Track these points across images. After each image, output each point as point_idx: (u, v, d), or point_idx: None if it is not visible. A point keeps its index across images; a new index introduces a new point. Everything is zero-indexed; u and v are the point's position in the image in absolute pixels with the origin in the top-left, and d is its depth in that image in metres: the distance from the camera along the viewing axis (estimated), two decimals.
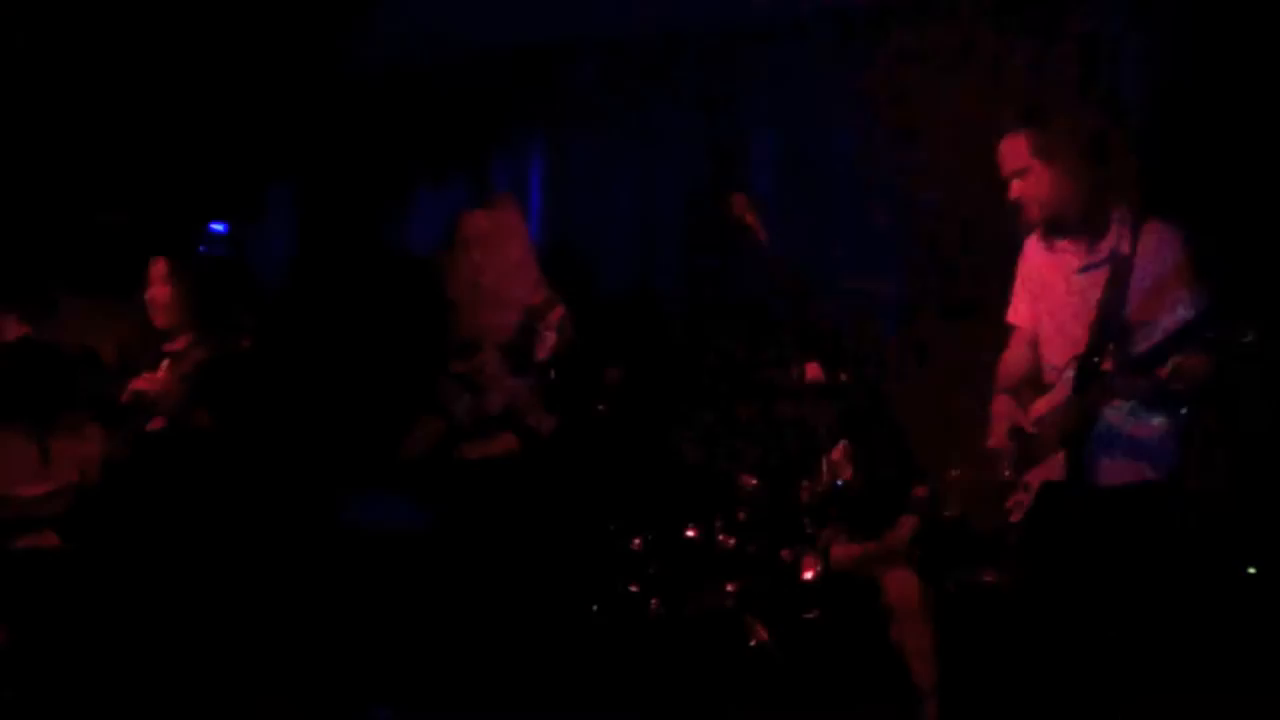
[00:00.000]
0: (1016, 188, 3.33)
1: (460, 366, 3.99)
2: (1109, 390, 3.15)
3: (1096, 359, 3.23)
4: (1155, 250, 3.26)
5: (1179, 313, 3.16)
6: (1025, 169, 3.30)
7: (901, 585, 4.53)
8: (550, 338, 3.87)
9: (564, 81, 6.01)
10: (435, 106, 6.15)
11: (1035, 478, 3.34)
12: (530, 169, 6.05)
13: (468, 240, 4.03)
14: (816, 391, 4.13)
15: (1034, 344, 3.51)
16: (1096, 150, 3.40)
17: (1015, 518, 3.39)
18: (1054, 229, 3.38)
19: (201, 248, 6.27)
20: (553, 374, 3.89)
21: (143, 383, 4.05)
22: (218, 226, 6.51)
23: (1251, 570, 4.03)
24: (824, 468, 4.32)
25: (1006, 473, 3.43)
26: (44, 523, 5.13)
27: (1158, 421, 3.24)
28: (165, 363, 4.11)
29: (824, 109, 5.44)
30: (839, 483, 4.50)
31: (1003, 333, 3.68)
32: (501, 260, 3.99)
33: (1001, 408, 3.50)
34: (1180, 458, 3.30)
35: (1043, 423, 3.34)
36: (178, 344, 4.12)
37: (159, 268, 4.14)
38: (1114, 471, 3.25)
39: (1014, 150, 3.33)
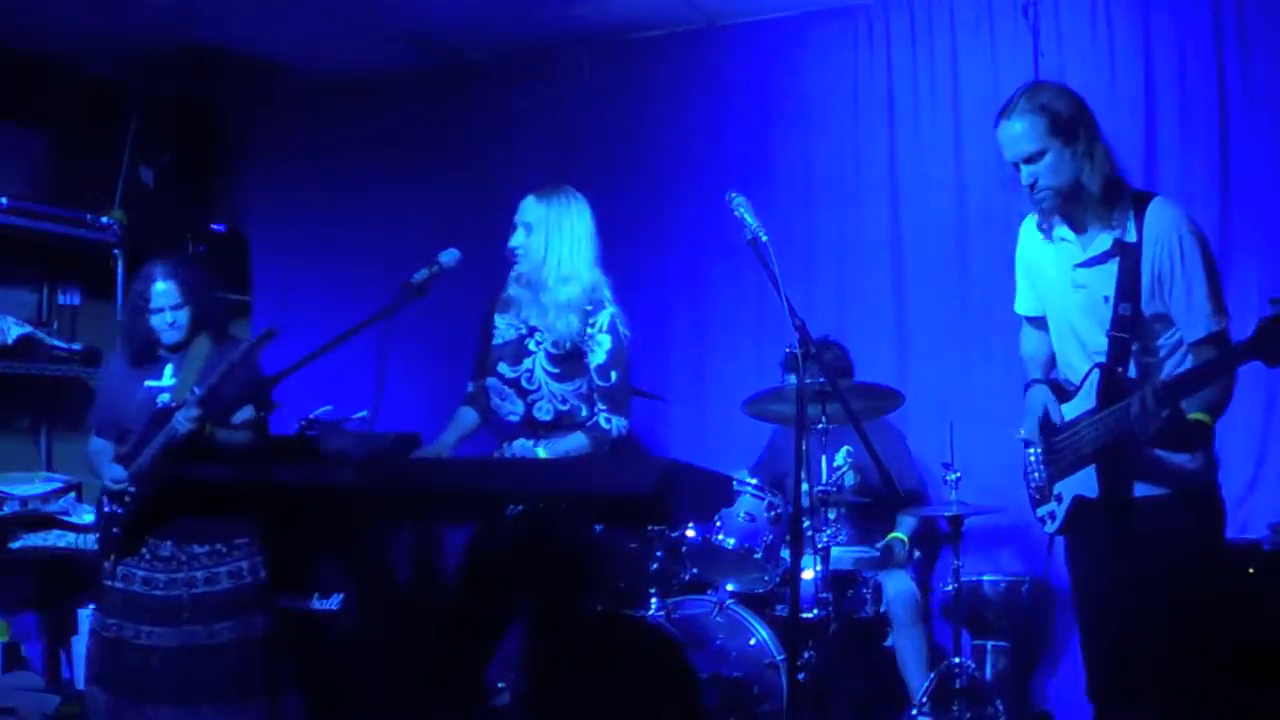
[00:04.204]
0: (1029, 173, 3.06)
1: (506, 373, 3.79)
2: (1135, 420, 2.88)
3: (1120, 368, 3.04)
4: (1161, 233, 3.02)
5: (1195, 315, 2.97)
6: (1041, 151, 3.04)
7: (899, 590, 4.54)
8: (604, 341, 3.70)
9: None
10: None
11: (1067, 489, 3.18)
12: None
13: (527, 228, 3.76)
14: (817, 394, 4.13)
15: (1046, 330, 3.32)
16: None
17: (1047, 528, 3.27)
18: (1065, 215, 3.12)
19: (202, 247, 6.28)
20: (613, 377, 3.73)
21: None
22: (217, 227, 6.51)
23: (1251, 570, 4.03)
24: (824, 470, 4.31)
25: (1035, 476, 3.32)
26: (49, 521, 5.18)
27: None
28: (169, 368, 4.08)
29: None
30: (841, 485, 4.50)
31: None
32: (555, 253, 3.74)
33: (1036, 398, 3.28)
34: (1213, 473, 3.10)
35: (1071, 432, 3.16)
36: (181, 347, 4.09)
37: (167, 291, 4.04)
38: (1147, 487, 3.06)
39: (1027, 133, 3.04)
